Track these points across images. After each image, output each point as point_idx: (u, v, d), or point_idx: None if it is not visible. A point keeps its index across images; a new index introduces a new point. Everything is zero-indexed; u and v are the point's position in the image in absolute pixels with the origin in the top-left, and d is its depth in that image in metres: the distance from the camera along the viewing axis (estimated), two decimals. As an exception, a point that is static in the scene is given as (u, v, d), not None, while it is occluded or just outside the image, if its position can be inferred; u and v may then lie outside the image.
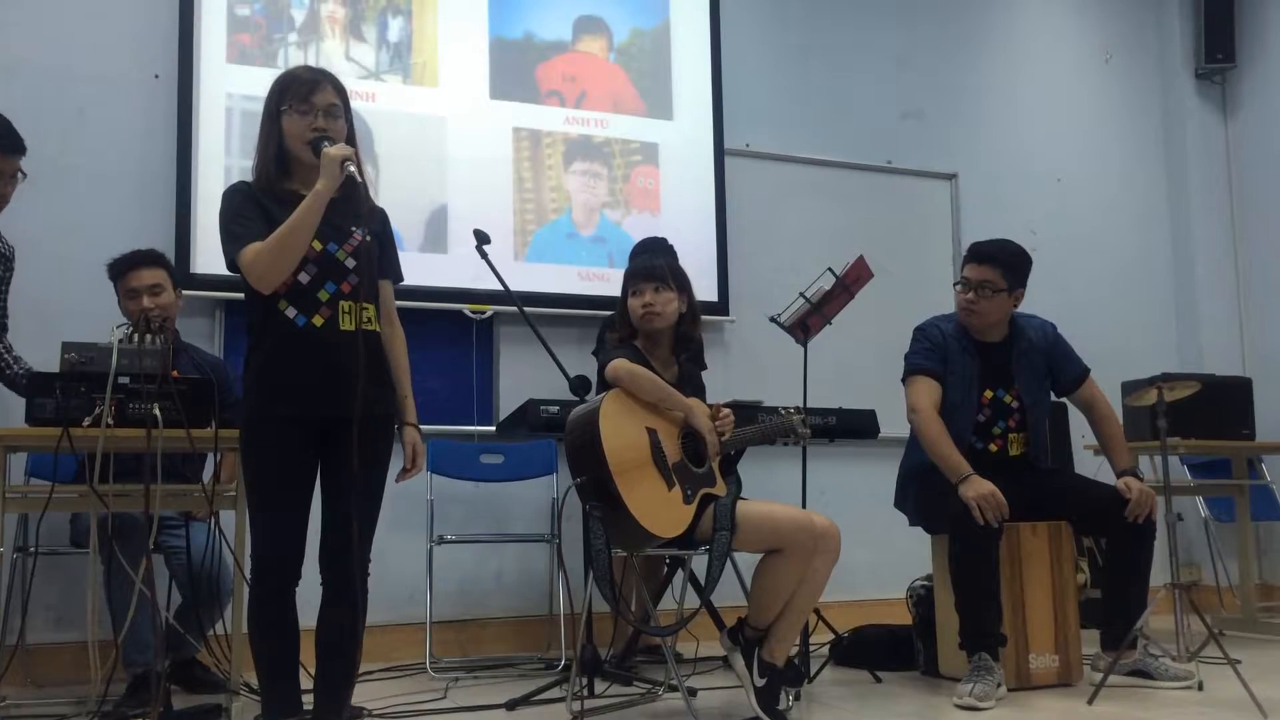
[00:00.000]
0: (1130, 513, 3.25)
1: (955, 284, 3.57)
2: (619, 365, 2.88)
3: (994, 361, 3.50)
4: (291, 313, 2.28)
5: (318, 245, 2.29)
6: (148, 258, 3.32)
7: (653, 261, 3.09)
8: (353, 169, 2.24)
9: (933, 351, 3.47)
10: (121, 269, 3.28)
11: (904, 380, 3.52)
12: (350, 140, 2.37)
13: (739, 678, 2.86)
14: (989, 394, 3.48)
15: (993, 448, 3.47)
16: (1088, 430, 3.66)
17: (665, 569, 3.53)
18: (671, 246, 4.12)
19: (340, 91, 2.39)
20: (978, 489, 3.17)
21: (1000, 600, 3.24)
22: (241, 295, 2.39)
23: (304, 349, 2.28)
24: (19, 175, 3.10)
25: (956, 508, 3.21)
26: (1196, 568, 5.41)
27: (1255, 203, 5.81)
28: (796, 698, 3.02)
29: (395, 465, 2.45)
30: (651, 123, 4.83)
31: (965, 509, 3.17)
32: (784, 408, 3.28)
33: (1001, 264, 3.43)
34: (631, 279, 3.04)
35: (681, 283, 3.05)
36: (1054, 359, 3.57)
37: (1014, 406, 3.49)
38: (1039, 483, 3.45)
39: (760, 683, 2.81)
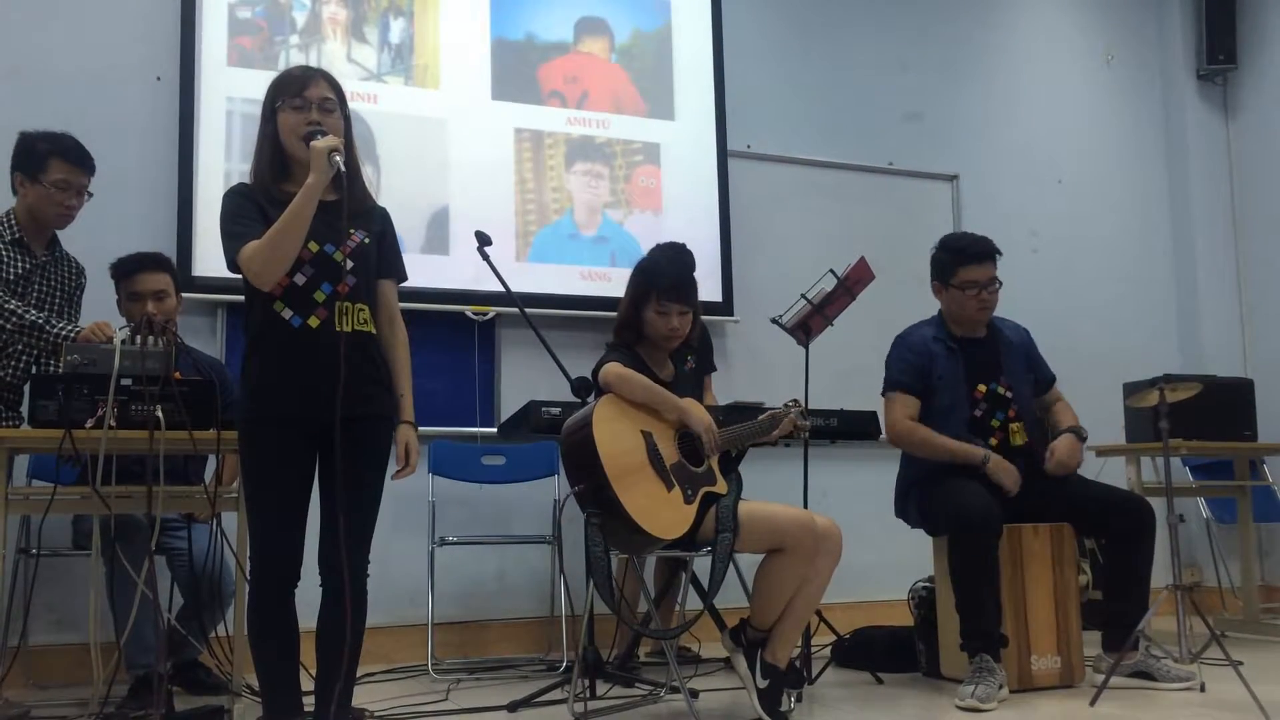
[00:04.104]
0: (1048, 468, 3.41)
1: (955, 289, 3.52)
2: (609, 371, 2.89)
3: (980, 356, 3.53)
4: (288, 314, 2.28)
5: (314, 246, 2.29)
6: (154, 261, 3.32)
7: (688, 282, 3.04)
8: (340, 160, 2.24)
9: (913, 366, 3.52)
10: (128, 271, 3.28)
11: (884, 393, 3.58)
12: (347, 135, 2.37)
13: (741, 679, 2.86)
14: (982, 388, 3.50)
15: (993, 441, 3.46)
16: (1089, 430, 3.64)
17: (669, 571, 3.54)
18: (692, 253, 4.09)
19: (335, 87, 2.38)
20: (999, 464, 3.34)
21: (1000, 601, 3.24)
22: (243, 297, 2.38)
23: (300, 350, 2.28)
24: (86, 194, 3.12)
25: (954, 508, 3.21)
26: (1198, 569, 5.41)
27: (1256, 203, 5.81)
28: (798, 699, 3.02)
29: (392, 466, 2.44)
30: (653, 123, 4.83)
31: (962, 509, 3.20)
32: (784, 404, 3.27)
33: (997, 256, 3.54)
34: (663, 296, 2.97)
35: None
36: (1031, 358, 3.65)
37: (1009, 396, 3.51)
38: (1040, 484, 3.45)
39: (763, 684, 2.81)
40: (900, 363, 3.55)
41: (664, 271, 3.02)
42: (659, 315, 2.98)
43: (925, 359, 3.51)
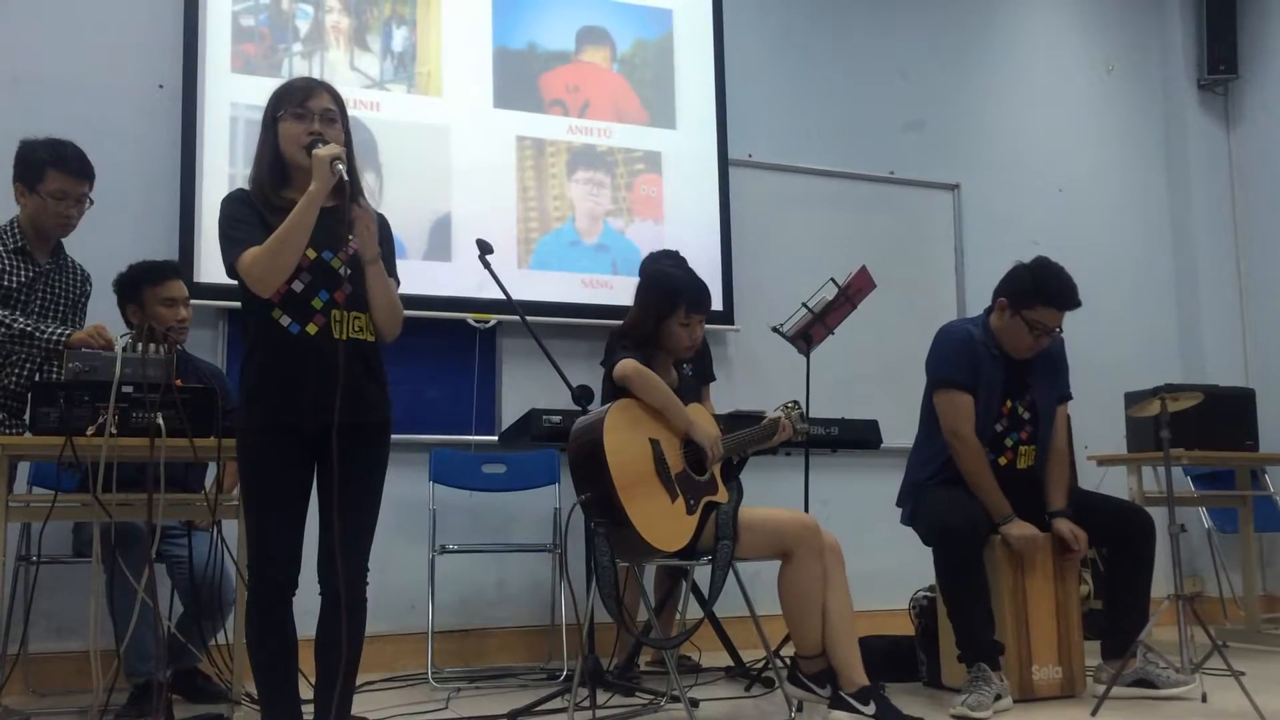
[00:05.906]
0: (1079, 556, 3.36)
1: (1023, 319, 3.33)
2: (628, 365, 2.87)
3: (1015, 372, 3.43)
4: (285, 321, 2.28)
5: (312, 253, 2.28)
6: (176, 269, 3.38)
7: (708, 292, 3.07)
8: (342, 168, 2.24)
9: (967, 364, 3.36)
10: (162, 276, 3.28)
11: (936, 389, 3.42)
12: (348, 147, 2.37)
13: None
14: (1008, 404, 3.41)
15: (1002, 460, 3.40)
16: (1091, 440, 3.66)
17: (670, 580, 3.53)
18: (685, 260, 4.10)
19: (337, 99, 2.39)
20: (1021, 530, 3.25)
21: (990, 609, 3.22)
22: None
23: (297, 357, 2.28)
24: (86, 201, 3.13)
25: (937, 519, 3.21)
26: (1200, 579, 5.40)
27: (1257, 213, 5.81)
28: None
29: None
30: (654, 132, 4.84)
31: (945, 521, 3.21)
32: (783, 404, 3.25)
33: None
34: (691, 308, 2.99)
35: None
36: (1058, 369, 3.53)
37: (1026, 418, 3.43)
38: (1040, 496, 3.44)
39: (872, 711, 2.76)
40: (953, 358, 3.39)
41: (687, 284, 3.06)
42: (683, 327, 2.99)
43: (974, 359, 3.37)
